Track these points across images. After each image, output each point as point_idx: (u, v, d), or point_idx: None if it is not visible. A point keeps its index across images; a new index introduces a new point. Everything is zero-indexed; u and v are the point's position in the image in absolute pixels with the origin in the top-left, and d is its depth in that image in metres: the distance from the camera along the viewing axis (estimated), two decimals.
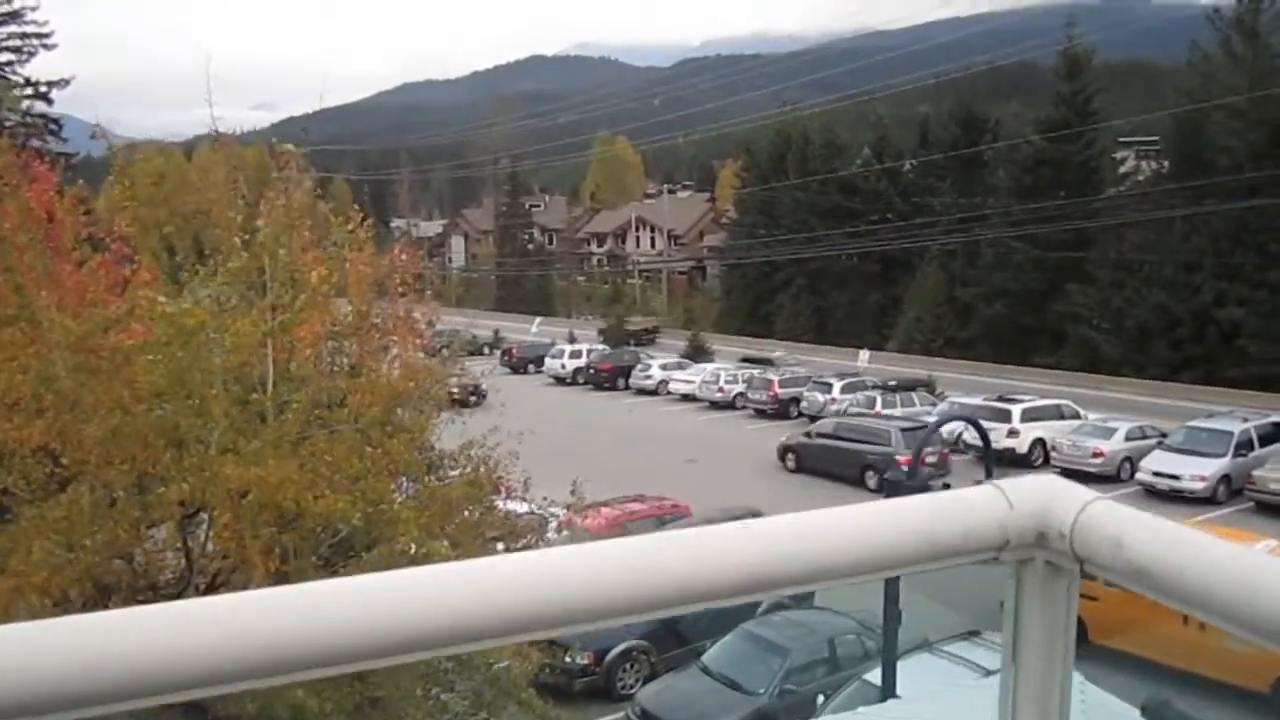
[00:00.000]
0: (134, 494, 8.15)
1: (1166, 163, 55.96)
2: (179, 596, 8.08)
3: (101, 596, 7.86)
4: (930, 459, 28.02)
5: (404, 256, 10.27)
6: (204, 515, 8.18)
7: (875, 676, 12.77)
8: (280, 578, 7.81)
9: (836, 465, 30.36)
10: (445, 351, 10.84)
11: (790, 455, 32.27)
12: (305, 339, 8.19)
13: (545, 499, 15.25)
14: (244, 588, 7.68)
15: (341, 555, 8.62)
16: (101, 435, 7.51)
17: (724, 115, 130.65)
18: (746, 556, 1.00)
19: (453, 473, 10.04)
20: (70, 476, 7.79)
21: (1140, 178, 59.24)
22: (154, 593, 8.15)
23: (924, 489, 7.67)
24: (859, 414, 35.37)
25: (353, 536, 8.64)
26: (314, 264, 8.21)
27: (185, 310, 7.67)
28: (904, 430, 30.05)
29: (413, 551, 7.69)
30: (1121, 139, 64.81)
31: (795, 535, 1.04)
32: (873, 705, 11.63)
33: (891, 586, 7.09)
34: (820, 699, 13.39)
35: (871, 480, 28.76)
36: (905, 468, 25.70)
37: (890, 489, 7.10)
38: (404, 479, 9.51)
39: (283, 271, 8.42)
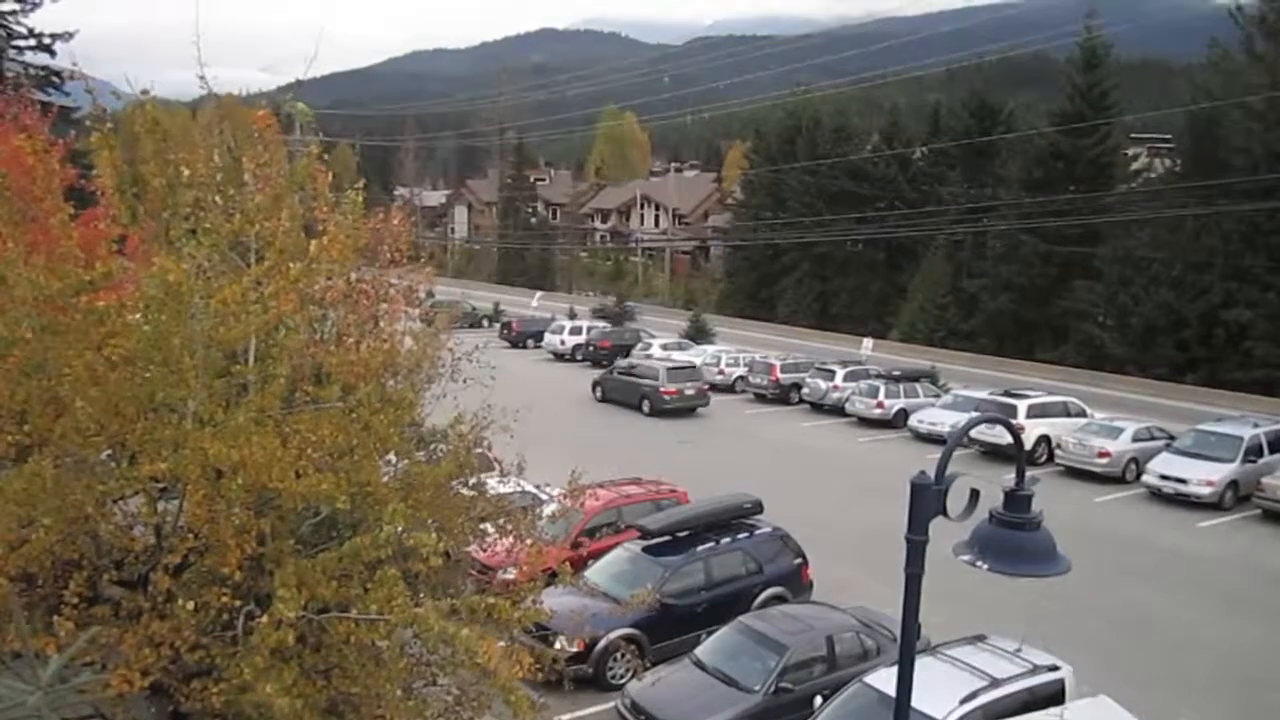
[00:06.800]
0: (105, 466, 7.62)
1: (1179, 161, 55.31)
2: (147, 576, 7.56)
3: (64, 575, 7.34)
4: (690, 391, 38.00)
5: (396, 222, 9.64)
6: (176, 490, 7.63)
7: (877, 679, 12.29)
8: (255, 561, 7.30)
9: (625, 394, 38.83)
10: (435, 324, 10.21)
11: (598, 388, 40.77)
12: (286, 307, 7.61)
13: (540, 485, 14.73)
14: (214, 571, 7.17)
15: (322, 538, 8.08)
16: (71, 401, 6.99)
17: (733, 95, 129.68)
18: None
19: (442, 447, 9.47)
20: (32, 444, 7.24)
21: (1152, 175, 58.59)
22: (119, 570, 7.63)
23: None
24: (643, 356, 44.99)
25: (334, 518, 8.11)
26: (297, 230, 7.66)
27: (173, 270, 7.09)
28: (669, 369, 38.84)
29: (398, 539, 7.15)
30: (1134, 135, 64.13)
31: None
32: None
33: (911, 587, 6.57)
34: (818, 699, 12.90)
35: (645, 406, 37.59)
36: (667, 397, 37.12)
37: (915, 492, 6.61)
38: (392, 456, 8.94)
39: (283, 239, 7.83)
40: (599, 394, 40.48)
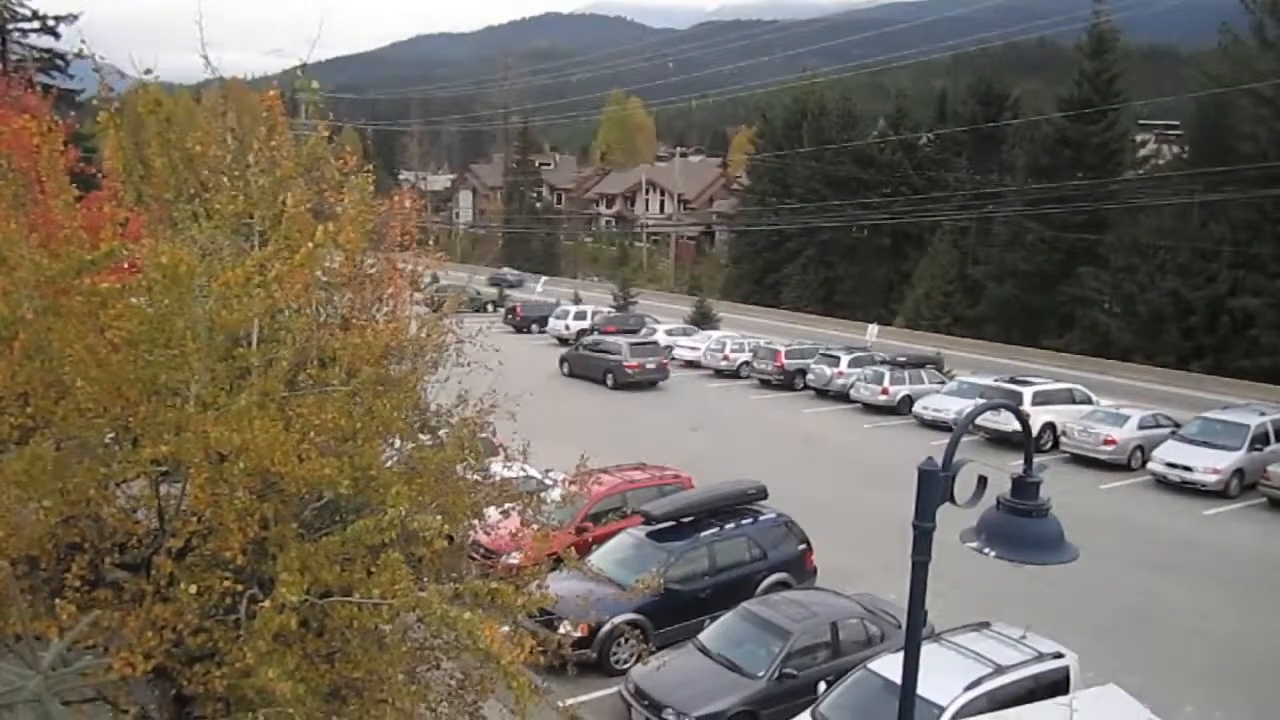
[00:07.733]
0: (108, 448, 7.57)
1: (1187, 147, 55.02)
2: (150, 559, 7.53)
3: (66, 558, 7.31)
4: (651, 365, 40.42)
5: (407, 204, 9.55)
6: (179, 474, 7.58)
7: (880, 665, 12.28)
8: (258, 545, 7.26)
9: (589, 369, 41.30)
10: (443, 308, 10.12)
11: (565, 363, 43.18)
12: (294, 288, 7.54)
13: (545, 471, 14.68)
14: (217, 554, 7.13)
15: (325, 522, 8.04)
16: (72, 383, 6.94)
17: (738, 80, 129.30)
18: None
19: (444, 431, 9.39)
20: (35, 427, 7.19)
21: (1160, 161, 58.31)
22: (121, 553, 7.59)
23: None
24: (606, 334, 46.14)
25: (337, 502, 8.06)
26: (308, 215, 7.58)
27: (167, 251, 7.01)
28: (632, 345, 41.53)
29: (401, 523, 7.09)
30: (1142, 121, 63.83)
31: None
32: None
33: (918, 574, 6.53)
34: (822, 686, 12.89)
35: (609, 380, 39.95)
36: (630, 370, 39.52)
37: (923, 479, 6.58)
38: (396, 439, 8.88)
39: (288, 226, 7.75)
40: (566, 369, 42.67)
